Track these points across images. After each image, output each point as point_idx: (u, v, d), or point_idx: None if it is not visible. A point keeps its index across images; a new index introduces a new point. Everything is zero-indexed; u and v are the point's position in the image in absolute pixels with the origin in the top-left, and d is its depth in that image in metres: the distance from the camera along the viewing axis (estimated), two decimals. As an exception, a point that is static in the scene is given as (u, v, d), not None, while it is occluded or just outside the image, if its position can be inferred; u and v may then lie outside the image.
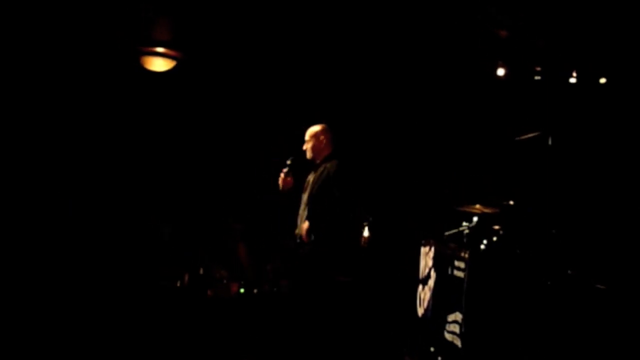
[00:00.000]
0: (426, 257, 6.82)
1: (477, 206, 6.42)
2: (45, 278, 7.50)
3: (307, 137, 6.05)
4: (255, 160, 8.96)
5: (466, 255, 5.73)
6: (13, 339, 5.97)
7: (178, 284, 8.03)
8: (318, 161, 5.98)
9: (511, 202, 6.51)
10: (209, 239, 8.71)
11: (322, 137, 6.00)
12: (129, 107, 8.73)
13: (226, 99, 9.01)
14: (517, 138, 7.06)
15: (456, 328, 5.71)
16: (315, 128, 6.07)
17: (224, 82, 8.87)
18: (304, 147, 6.05)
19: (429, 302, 6.54)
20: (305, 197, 5.96)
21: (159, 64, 8.24)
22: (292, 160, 6.03)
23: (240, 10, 7.66)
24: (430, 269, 6.62)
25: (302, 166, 6.07)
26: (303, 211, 5.90)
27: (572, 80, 7.89)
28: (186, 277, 8.09)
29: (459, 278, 5.80)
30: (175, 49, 8.22)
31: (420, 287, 6.89)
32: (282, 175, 5.98)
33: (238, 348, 6.58)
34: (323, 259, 5.73)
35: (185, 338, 6.82)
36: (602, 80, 7.80)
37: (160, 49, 8.19)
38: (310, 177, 6.02)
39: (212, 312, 7.48)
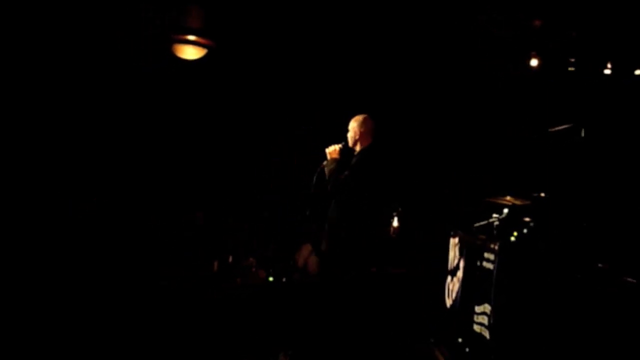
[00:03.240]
0: (455, 248, 6.79)
1: (508, 198, 6.38)
2: (80, 260, 7.61)
3: (348, 126, 6.10)
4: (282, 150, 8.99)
5: (496, 247, 5.70)
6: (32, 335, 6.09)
7: (207, 272, 8.08)
8: (357, 152, 6.01)
9: (542, 195, 6.46)
10: (238, 227, 8.76)
11: (357, 130, 6.01)
12: (164, 97, 8.77)
13: (258, 89, 9.02)
14: (550, 129, 7.00)
15: (485, 320, 5.69)
16: (354, 119, 6.09)
17: (254, 72, 8.88)
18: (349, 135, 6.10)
19: (457, 293, 6.52)
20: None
21: (190, 52, 8.27)
22: (343, 145, 6.06)
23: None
24: (459, 260, 6.60)
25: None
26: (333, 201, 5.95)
27: (607, 71, 7.81)
28: (215, 265, 8.14)
29: (488, 270, 5.77)
30: (208, 37, 8.24)
31: (449, 278, 6.87)
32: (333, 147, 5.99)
33: (265, 335, 6.62)
34: (339, 247, 5.78)
35: (213, 325, 6.88)
36: (638, 72, 7.71)
37: (192, 37, 8.22)
38: None
39: (241, 299, 7.52)
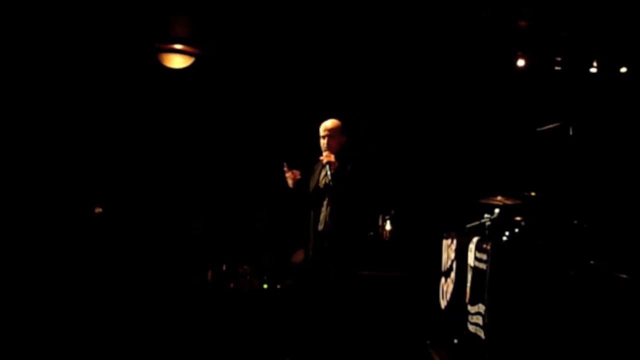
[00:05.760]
0: (448, 250, 6.81)
1: (499, 198, 6.41)
2: (79, 273, 7.65)
3: (327, 132, 5.90)
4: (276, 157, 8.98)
5: (488, 247, 5.72)
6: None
7: (201, 280, 8.09)
8: (336, 156, 5.84)
9: (533, 194, 6.49)
10: (233, 235, 8.76)
11: (343, 133, 5.94)
12: (156, 106, 8.77)
13: (250, 96, 9.01)
14: (538, 129, 7.04)
15: (479, 320, 5.71)
16: (336, 123, 5.94)
17: (248, 78, 8.87)
18: (329, 141, 5.88)
19: (451, 294, 6.54)
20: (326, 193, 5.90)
21: (177, 61, 8.26)
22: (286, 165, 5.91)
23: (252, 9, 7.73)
24: (452, 261, 6.62)
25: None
26: (326, 207, 5.87)
27: (593, 70, 7.85)
28: (210, 273, 8.14)
29: (481, 270, 5.79)
30: (194, 45, 8.24)
31: (443, 279, 6.89)
32: (288, 174, 5.88)
33: (262, 342, 6.62)
34: (348, 252, 5.77)
35: (209, 334, 6.89)
36: (623, 70, 7.76)
37: (178, 46, 8.21)
38: (324, 173, 5.94)
39: (235, 307, 7.53)
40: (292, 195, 5.92)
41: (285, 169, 5.87)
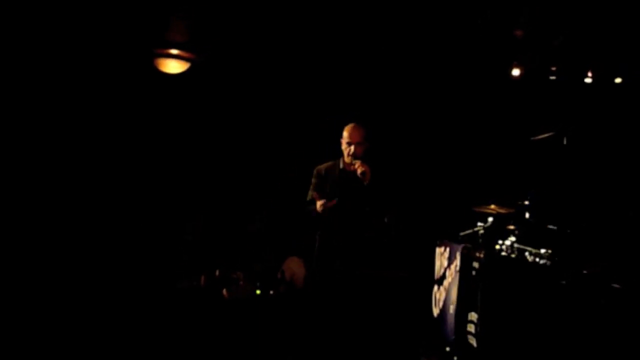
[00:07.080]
0: (441, 258, 6.82)
1: (492, 206, 6.42)
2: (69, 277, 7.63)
3: (356, 140, 5.89)
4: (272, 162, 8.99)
5: (481, 256, 5.73)
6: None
7: (194, 285, 8.08)
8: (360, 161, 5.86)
9: (526, 202, 6.50)
10: (227, 240, 8.75)
11: (368, 139, 5.93)
12: (154, 110, 8.75)
13: (249, 101, 9.00)
14: (533, 138, 7.05)
15: (472, 328, 5.71)
16: (363, 131, 5.94)
17: (245, 81, 8.87)
18: (357, 149, 5.87)
19: (444, 302, 6.54)
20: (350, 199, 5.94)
21: (173, 66, 8.25)
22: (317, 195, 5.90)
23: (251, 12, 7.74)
24: (445, 269, 6.62)
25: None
26: (353, 212, 5.91)
27: (588, 80, 7.87)
28: (202, 279, 8.12)
29: (474, 278, 5.80)
30: (190, 50, 8.24)
31: (436, 287, 6.89)
32: (324, 204, 5.78)
33: (255, 349, 6.62)
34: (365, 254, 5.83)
35: (201, 338, 6.87)
36: (618, 80, 7.78)
37: (174, 51, 8.21)
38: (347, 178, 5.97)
39: (227, 312, 7.51)
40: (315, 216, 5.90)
41: (316, 197, 5.83)
